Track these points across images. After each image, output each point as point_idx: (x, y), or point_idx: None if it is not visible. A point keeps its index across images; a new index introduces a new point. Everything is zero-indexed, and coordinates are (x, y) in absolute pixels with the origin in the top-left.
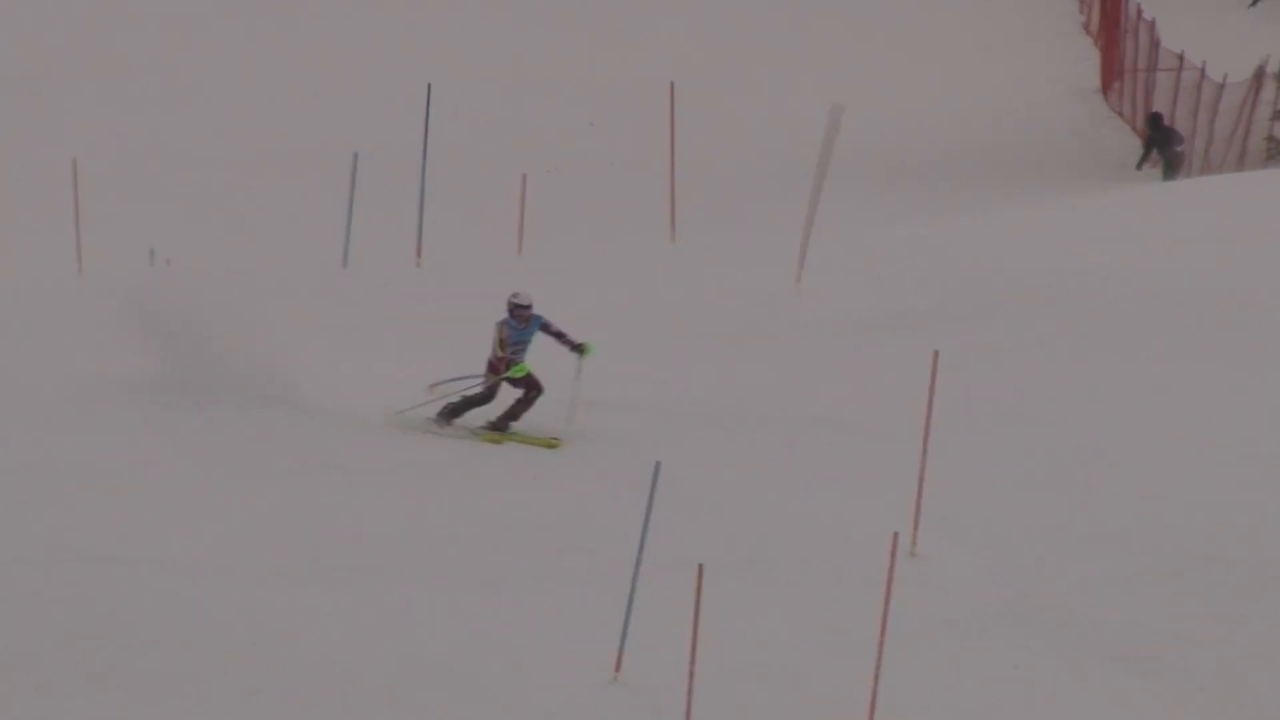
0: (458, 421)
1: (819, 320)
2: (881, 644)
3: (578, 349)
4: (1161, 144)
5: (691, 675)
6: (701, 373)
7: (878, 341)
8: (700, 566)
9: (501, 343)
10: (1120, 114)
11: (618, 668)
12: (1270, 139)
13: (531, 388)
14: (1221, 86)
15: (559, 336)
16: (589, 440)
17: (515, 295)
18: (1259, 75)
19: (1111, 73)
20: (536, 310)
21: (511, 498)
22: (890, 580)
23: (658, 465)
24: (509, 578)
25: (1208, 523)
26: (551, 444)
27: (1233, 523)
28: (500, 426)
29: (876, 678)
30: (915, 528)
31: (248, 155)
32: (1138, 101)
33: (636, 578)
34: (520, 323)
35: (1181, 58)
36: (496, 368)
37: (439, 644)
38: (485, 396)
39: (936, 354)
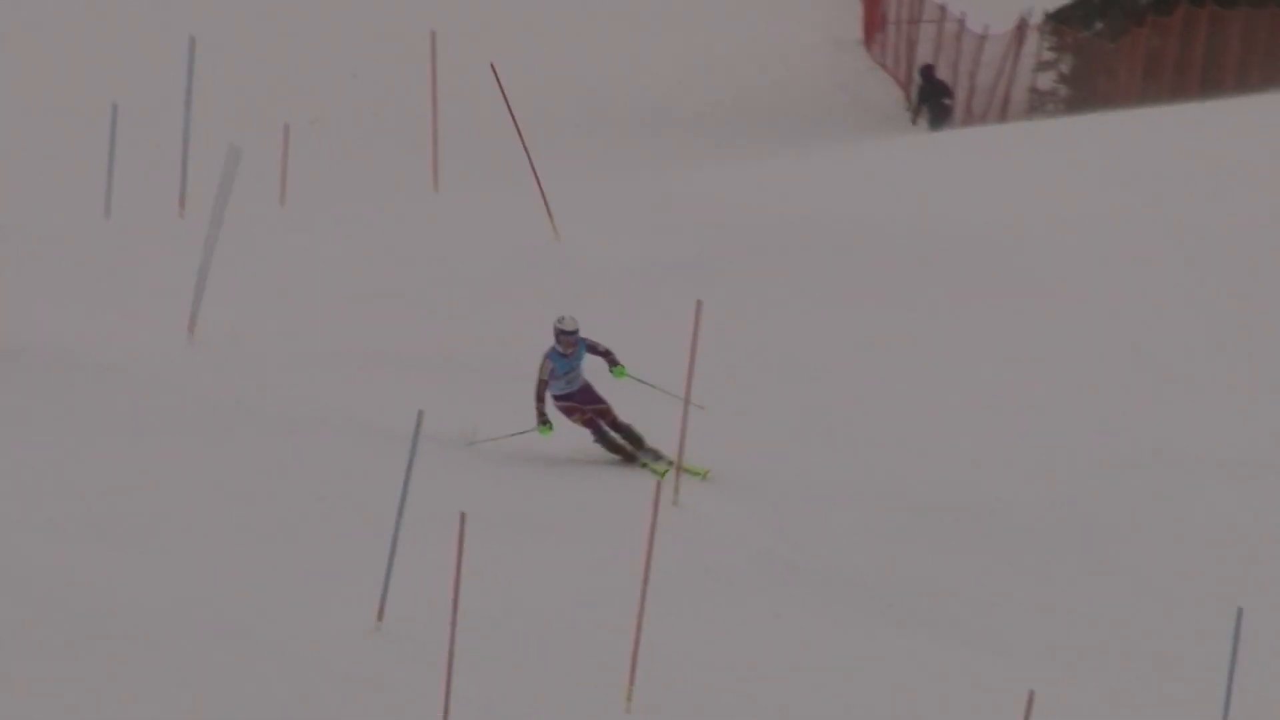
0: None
1: (580, 270)
2: (644, 593)
3: (612, 365)
4: (931, 96)
5: (454, 624)
6: (462, 321)
7: (640, 291)
8: (463, 515)
9: (542, 384)
10: (883, 66)
11: (380, 616)
12: (1033, 90)
13: (619, 428)
14: (983, 38)
15: (606, 355)
16: (351, 389)
17: (560, 320)
18: (1021, 28)
19: (874, 24)
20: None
21: (274, 446)
22: (653, 530)
23: (420, 414)
24: (269, 526)
25: (966, 473)
26: (702, 473)
27: (987, 473)
28: (655, 454)
29: (639, 627)
30: (678, 477)
31: (10, 104)
32: (900, 53)
33: (399, 526)
34: (566, 349)
35: (943, 10)
36: (569, 409)
37: (197, 590)
38: (600, 432)
39: (700, 303)
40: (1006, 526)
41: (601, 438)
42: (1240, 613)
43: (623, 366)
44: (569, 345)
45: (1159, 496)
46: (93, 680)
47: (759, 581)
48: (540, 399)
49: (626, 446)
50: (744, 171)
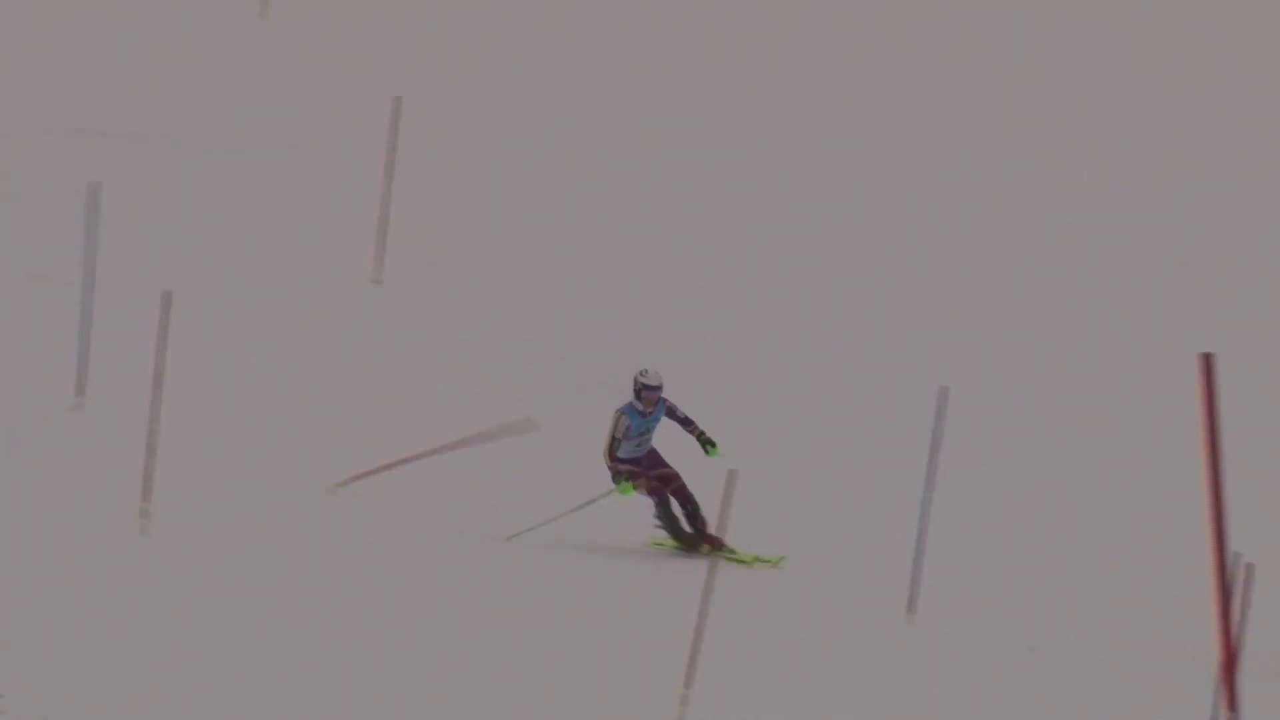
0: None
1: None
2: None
3: (706, 445)
4: None
5: (154, 400)
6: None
7: None
8: (166, 294)
9: (614, 442)
10: None
11: (79, 392)
12: None
13: (684, 500)
14: None
15: (685, 423)
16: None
17: (644, 374)
18: None
19: None
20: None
21: None
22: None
23: (94, 185)
24: None
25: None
26: (778, 562)
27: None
28: (718, 543)
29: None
30: (379, 253)
31: None
32: None
33: (90, 302)
34: (646, 408)
35: None
36: (632, 473)
37: None
38: (663, 503)
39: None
40: (710, 302)
41: (665, 514)
42: (944, 391)
43: (717, 447)
44: (650, 404)
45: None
46: None
47: (463, 355)
48: (614, 457)
49: (688, 531)
50: None
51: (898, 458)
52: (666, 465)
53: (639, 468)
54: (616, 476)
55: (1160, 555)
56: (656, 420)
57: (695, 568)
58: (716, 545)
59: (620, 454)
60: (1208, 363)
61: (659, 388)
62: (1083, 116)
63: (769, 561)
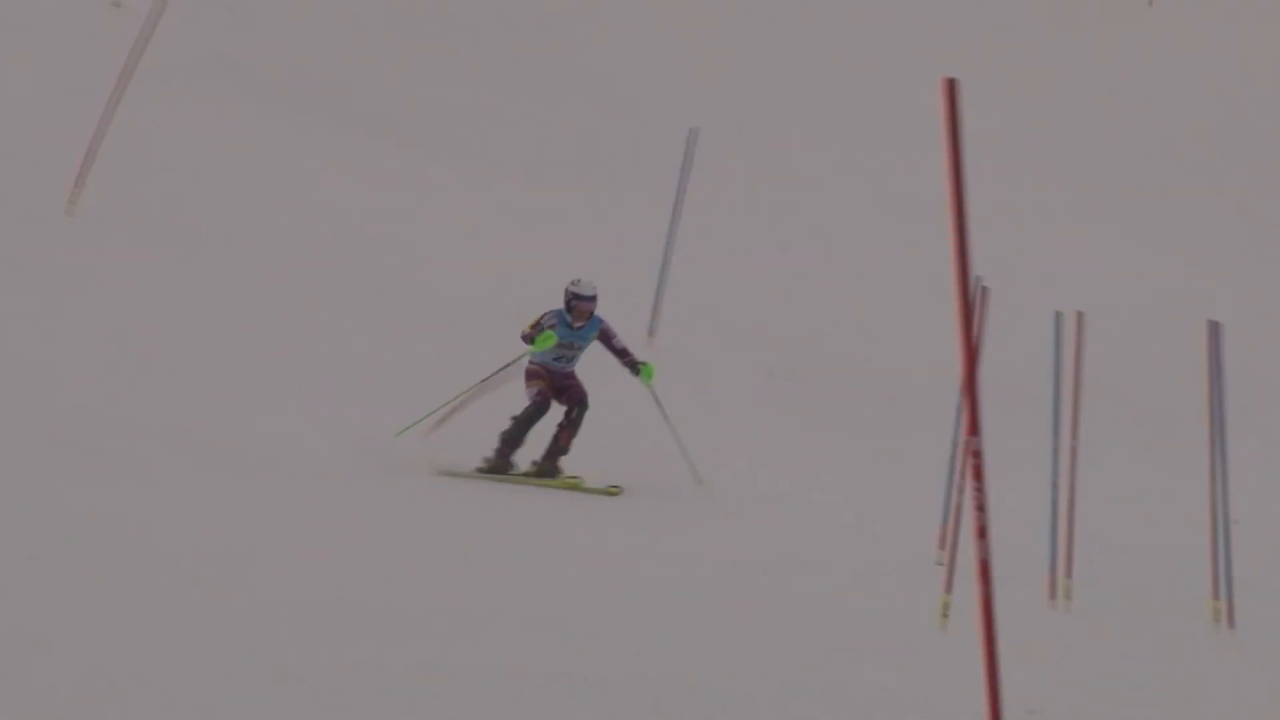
0: (516, 460)
1: None
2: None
3: (636, 369)
4: None
5: None
6: None
7: None
8: None
9: (536, 325)
10: None
11: None
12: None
13: (574, 403)
14: None
15: (621, 354)
16: None
17: (575, 283)
18: None
19: None
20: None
21: None
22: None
23: None
24: None
25: None
26: (612, 492)
27: None
28: (548, 470)
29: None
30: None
31: None
32: None
33: None
34: (577, 320)
35: None
36: (536, 374)
37: None
38: (537, 411)
39: None
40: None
41: (527, 419)
42: (693, 132)
43: (650, 367)
44: (582, 316)
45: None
46: None
47: (200, 78)
48: (534, 329)
49: (555, 455)
50: None
51: None
52: (576, 383)
53: (546, 376)
54: (536, 331)
55: None
56: (585, 338)
57: None
58: (549, 472)
59: (536, 359)
60: None
61: (592, 298)
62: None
63: (607, 491)
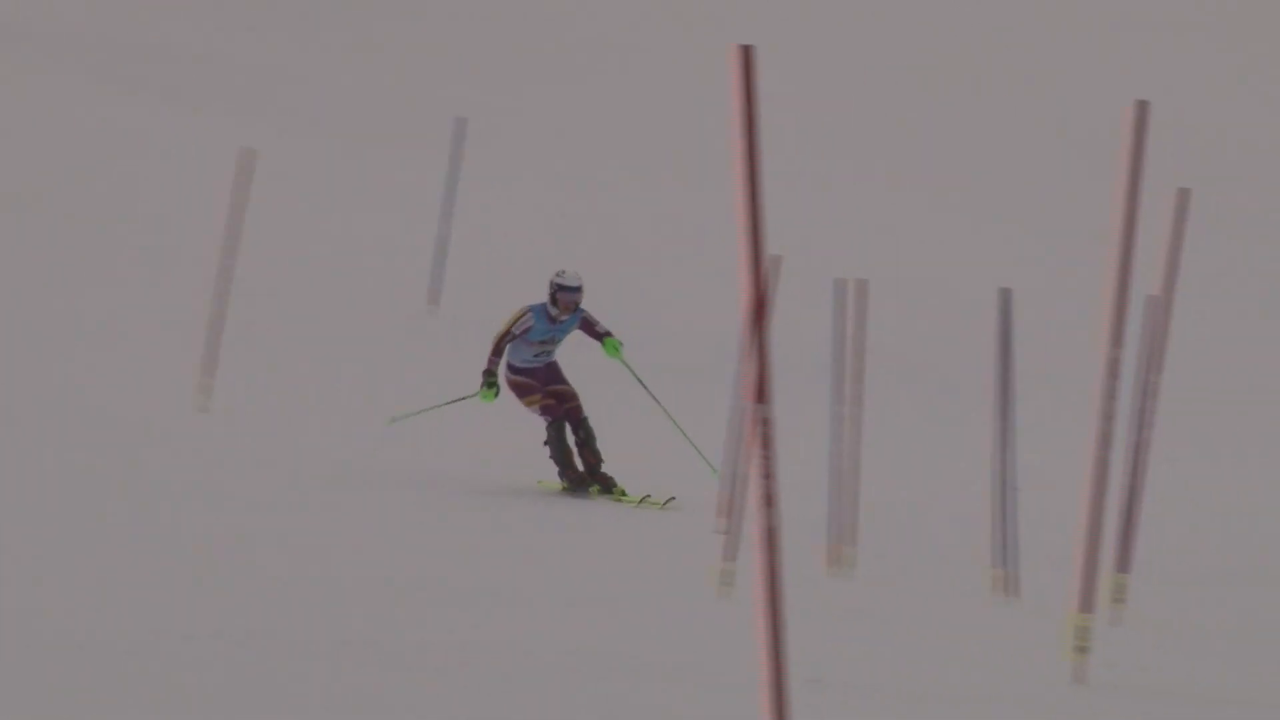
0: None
1: None
2: None
3: (604, 337)
4: None
5: None
6: None
7: None
8: None
9: (505, 336)
10: None
11: None
12: None
13: (575, 424)
14: None
15: (602, 337)
16: None
17: (560, 274)
18: None
19: None
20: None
21: None
22: None
23: None
24: None
25: None
26: (665, 504)
27: None
28: (605, 484)
29: None
30: None
31: None
32: None
33: None
34: (563, 313)
35: None
36: (525, 386)
37: None
38: (556, 429)
39: None
40: None
41: (557, 438)
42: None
43: (617, 341)
44: (567, 309)
45: None
46: None
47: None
48: (497, 353)
49: (576, 466)
50: None
51: None
52: (565, 382)
53: (534, 380)
54: (487, 377)
55: None
56: (566, 330)
57: None
58: (606, 485)
59: (516, 362)
60: None
61: (578, 289)
62: None
63: (657, 504)
